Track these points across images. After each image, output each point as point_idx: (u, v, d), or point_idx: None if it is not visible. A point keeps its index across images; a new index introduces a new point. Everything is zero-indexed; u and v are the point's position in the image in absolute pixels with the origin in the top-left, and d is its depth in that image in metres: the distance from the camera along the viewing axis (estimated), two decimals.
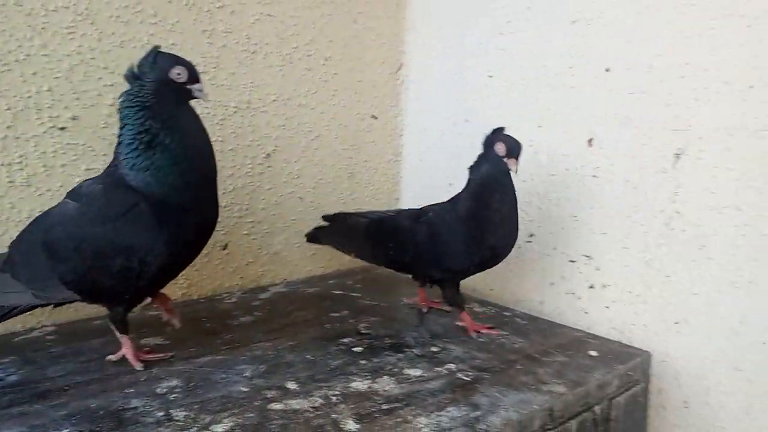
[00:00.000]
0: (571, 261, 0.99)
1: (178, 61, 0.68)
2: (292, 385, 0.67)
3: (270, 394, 0.65)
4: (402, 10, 1.27)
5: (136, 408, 0.61)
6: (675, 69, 0.86)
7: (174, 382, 0.67)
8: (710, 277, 0.83)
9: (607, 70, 0.94)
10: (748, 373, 0.80)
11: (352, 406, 0.63)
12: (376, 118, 1.26)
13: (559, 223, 1.01)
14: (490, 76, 1.11)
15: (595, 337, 0.87)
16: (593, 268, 0.96)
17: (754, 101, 0.78)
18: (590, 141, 0.96)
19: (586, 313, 0.97)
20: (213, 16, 0.99)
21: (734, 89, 0.80)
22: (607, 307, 0.95)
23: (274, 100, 1.08)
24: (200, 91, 0.68)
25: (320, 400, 0.64)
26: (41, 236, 0.68)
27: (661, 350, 0.88)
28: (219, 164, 1.03)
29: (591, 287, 0.97)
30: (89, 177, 0.88)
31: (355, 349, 0.79)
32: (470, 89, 1.15)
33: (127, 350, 0.73)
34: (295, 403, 0.63)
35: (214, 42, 0.99)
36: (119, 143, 0.67)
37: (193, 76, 0.68)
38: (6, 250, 0.73)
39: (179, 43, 0.95)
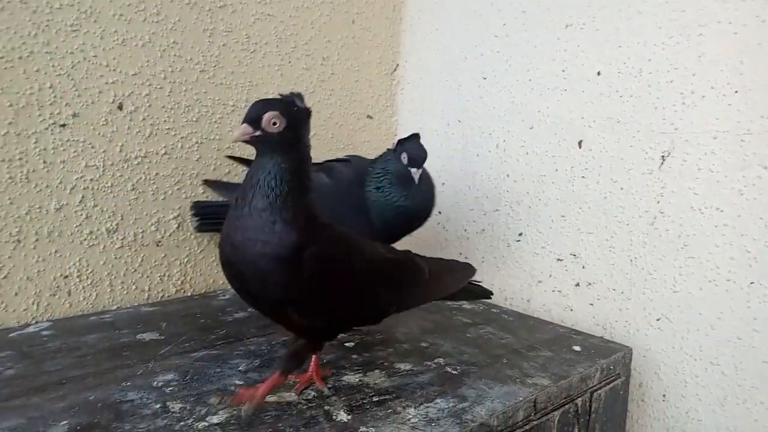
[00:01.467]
0: (559, 260, 1.02)
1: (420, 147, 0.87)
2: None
3: None
4: (399, 11, 1.29)
5: (133, 401, 0.63)
6: (663, 73, 0.88)
7: (170, 376, 0.69)
8: (690, 275, 0.86)
9: (599, 73, 0.96)
10: (723, 367, 0.83)
11: (344, 398, 0.66)
12: (371, 117, 1.28)
13: (547, 223, 1.03)
14: (484, 78, 1.13)
15: (578, 333, 0.90)
16: (579, 266, 0.99)
17: (738, 106, 0.81)
18: (580, 143, 0.99)
19: (571, 310, 1.00)
20: (214, 16, 1.01)
21: (720, 94, 0.83)
22: (591, 305, 0.98)
23: None
24: (416, 174, 0.86)
25: (313, 393, 0.66)
26: None
27: (642, 345, 0.91)
28: (216, 162, 1.06)
29: (577, 285, 1.00)
30: (88, 174, 0.90)
31: (347, 344, 0.81)
32: (464, 90, 1.17)
33: None
34: (289, 396, 0.66)
35: (215, 41, 1.01)
36: (374, 176, 0.88)
37: (417, 163, 0.85)
38: None
39: (180, 41, 0.97)
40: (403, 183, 0.86)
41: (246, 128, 0.56)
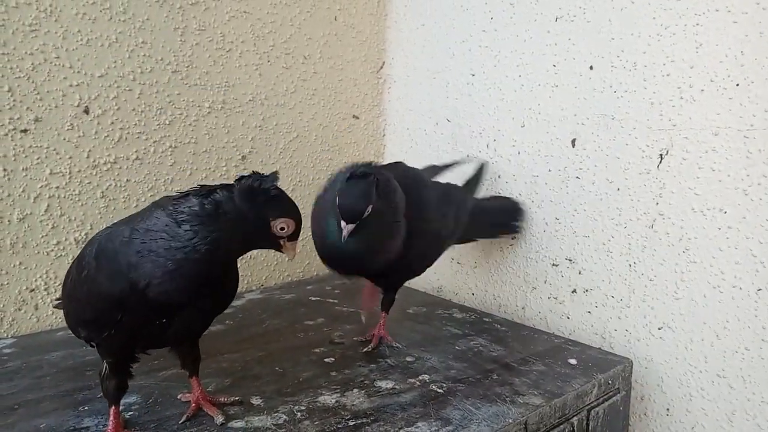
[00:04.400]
0: (554, 265, 0.97)
1: None
2: (256, 401, 0.65)
3: (232, 410, 0.62)
4: (383, 6, 1.23)
5: (88, 428, 0.58)
6: (659, 67, 0.83)
7: (132, 399, 0.64)
8: (693, 281, 0.81)
9: (591, 68, 0.91)
10: (731, 379, 0.78)
11: (317, 422, 0.60)
12: (357, 118, 1.23)
13: (541, 226, 0.98)
14: (473, 75, 1.08)
15: (575, 343, 0.84)
16: (576, 272, 0.94)
17: (740, 99, 0.76)
18: (573, 141, 0.93)
19: (568, 318, 0.95)
20: (185, 13, 0.96)
21: (720, 87, 0.78)
22: (589, 312, 0.92)
23: (250, 100, 1.05)
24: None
25: (284, 417, 0.61)
26: None
27: (643, 356, 0.86)
28: (192, 166, 1.01)
29: (573, 292, 0.94)
30: (53, 182, 0.85)
31: (326, 359, 0.76)
32: (453, 88, 1.12)
33: None
34: (257, 420, 0.60)
35: (187, 40, 0.96)
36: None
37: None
38: None
39: (149, 41, 0.92)
40: None
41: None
